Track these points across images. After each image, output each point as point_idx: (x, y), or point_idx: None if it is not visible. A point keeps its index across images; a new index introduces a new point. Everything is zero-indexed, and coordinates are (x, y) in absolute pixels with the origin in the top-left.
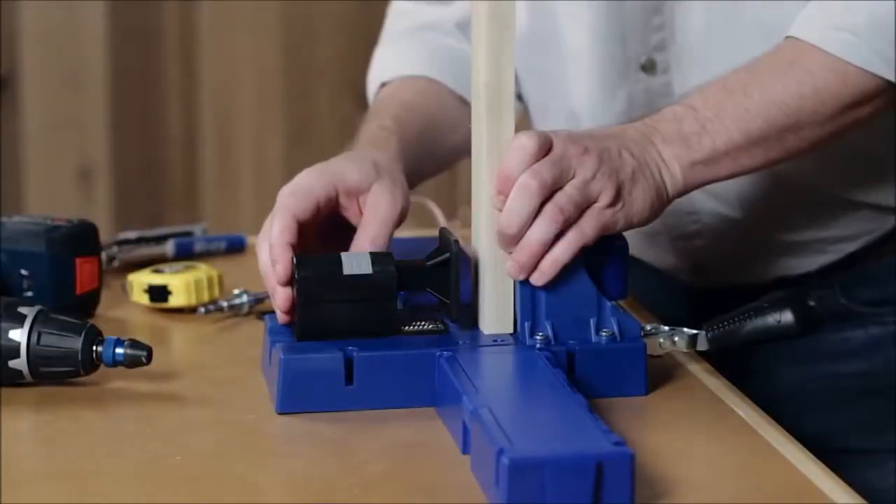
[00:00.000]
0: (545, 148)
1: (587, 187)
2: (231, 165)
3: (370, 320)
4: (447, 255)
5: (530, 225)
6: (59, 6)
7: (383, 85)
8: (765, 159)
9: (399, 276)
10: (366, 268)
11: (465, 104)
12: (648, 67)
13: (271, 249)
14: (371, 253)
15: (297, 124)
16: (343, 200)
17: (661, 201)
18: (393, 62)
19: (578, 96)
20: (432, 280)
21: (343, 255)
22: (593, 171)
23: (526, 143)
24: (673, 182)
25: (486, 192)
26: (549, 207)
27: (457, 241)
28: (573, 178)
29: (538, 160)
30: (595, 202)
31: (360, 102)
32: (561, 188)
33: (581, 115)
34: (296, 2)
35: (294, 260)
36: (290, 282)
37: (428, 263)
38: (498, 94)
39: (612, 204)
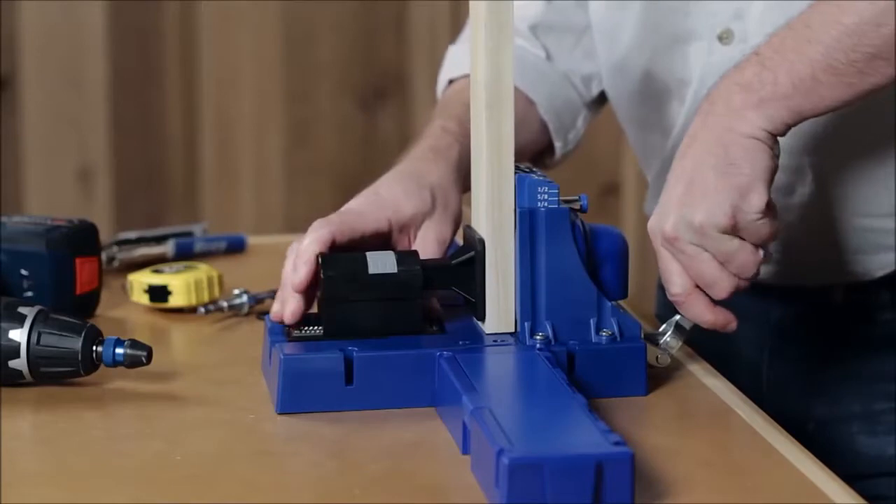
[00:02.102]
0: None
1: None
2: (231, 165)
3: (395, 319)
4: (472, 253)
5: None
6: (59, 6)
7: (451, 81)
8: (848, 88)
9: (424, 274)
10: (391, 267)
11: (530, 104)
12: (725, 37)
13: (296, 257)
14: (396, 252)
15: (297, 124)
16: (395, 235)
17: (760, 147)
18: (462, 59)
19: (659, 79)
20: (457, 279)
21: (368, 254)
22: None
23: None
24: (754, 125)
25: (485, 192)
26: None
27: (482, 240)
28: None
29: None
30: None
31: (360, 102)
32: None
33: (658, 91)
34: (296, 2)
35: (319, 259)
36: (305, 290)
37: (453, 262)
38: (497, 93)
39: (732, 220)
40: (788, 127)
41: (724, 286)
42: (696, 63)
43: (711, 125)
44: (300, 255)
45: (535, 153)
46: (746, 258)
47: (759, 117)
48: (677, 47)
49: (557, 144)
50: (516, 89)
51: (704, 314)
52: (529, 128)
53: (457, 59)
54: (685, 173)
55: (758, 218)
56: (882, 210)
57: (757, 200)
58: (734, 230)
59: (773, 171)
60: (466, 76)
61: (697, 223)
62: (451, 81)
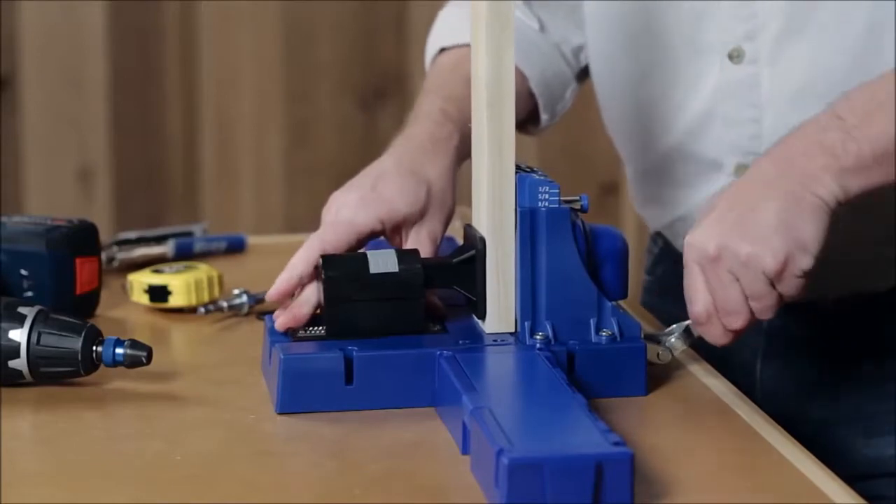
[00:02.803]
0: None
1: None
2: (231, 165)
3: (397, 318)
4: (472, 252)
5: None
6: (59, 6)
7: (443, 49)
8: None
9: (425, 273)
10: (392, 266)
11: (522, 77)
12: (735, 56)
13: (284, 271)
14: (397, 250)
15: (297, 124)
16: (388, 234)
17: (827, 213)
18: (458, 27)
19: (658, 83)
20: (458, 277)
21: (369, 253)
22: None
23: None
24: (830, 191)
25: (486, 191)
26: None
27: (482, 239)
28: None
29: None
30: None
31: (360, 102)
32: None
33: (660, 104)
34: (296, 2)
35: (320, 260)
36: (281, 301)
37: (454, 261)
38: (499, 93)
39: (780, 267)
40: (853, 200)
41: (741, 318)
42: (703, 76)
43: (787, 174)
44: (285, 270)
45: (517, 123)
46: (770, 304)
47: (836, 186)
48: (682, 56)
49: (544, 117)
50: None
51: (722, 338)
52: (517, 98)
53: (449, 26)
54: (743, 203)
55: (801, 276)
56: (892, 238)
57: (809, 261)
58: (775, 276)
59: (824, 242)
60: (459, 46)
61: (744, 255)
62: (442, 49)
